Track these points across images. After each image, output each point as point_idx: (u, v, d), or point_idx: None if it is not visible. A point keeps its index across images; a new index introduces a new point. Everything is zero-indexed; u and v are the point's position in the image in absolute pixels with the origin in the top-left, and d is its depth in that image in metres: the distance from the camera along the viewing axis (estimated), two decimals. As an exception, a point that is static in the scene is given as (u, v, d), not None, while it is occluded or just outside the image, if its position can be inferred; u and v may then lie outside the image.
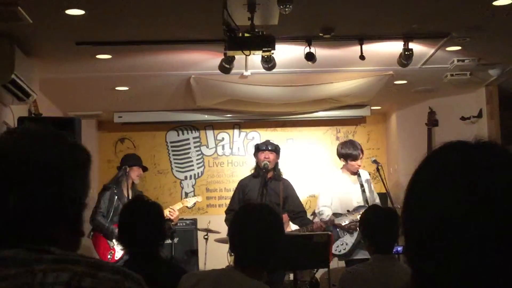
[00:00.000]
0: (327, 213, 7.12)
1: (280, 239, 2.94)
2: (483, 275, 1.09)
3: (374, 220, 3.93)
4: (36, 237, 1.37)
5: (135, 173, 7.56)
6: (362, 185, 7.25)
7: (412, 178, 1.22)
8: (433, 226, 1.13)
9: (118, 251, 7.06)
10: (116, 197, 7.31)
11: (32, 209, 1.37)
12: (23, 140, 1.43)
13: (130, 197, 7.26)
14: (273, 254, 2.91)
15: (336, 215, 7.06)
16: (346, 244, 7.03)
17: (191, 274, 3.10)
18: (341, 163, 7.37)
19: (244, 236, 2.92)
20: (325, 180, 7.61)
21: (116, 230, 6.96)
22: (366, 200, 7.16)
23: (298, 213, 7.11)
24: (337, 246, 7.05)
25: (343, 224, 6.99)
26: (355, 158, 7.16)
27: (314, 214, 8.16)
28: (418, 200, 1.18)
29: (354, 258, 6.86)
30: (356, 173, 7.29)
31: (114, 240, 6.98)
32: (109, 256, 7.14)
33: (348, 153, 7.19)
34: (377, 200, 7.15)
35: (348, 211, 7.02)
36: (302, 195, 8.85)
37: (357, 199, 7.17)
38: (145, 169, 7.79)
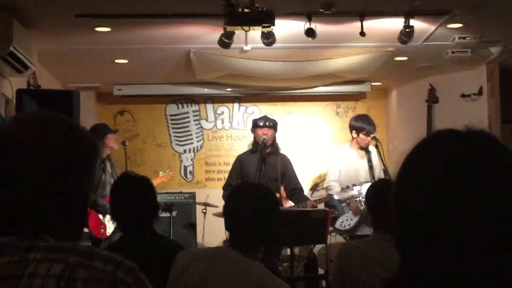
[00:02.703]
0: (335, 189, 7.18)
1: (276, 219, 2.94)
2: (465, 276, 1.08)
3: (377, 195, 3.79)
4: (36, 227, 1.35)
5: (111, 140, 7.53)
6: (370, 161, 7.27)
7: (400, 169, 1.21)
8: (415, 224, 1.13)
9: (110, 227, 7.07)
10: (100, 171, 7.28)
11: (36, 200, 1.36)
12: (31, 128, 1.40)
13: (107, 168, 7.26)
14: (268, 234, 2.91)
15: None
16: (351, 219, 7.06)
17: (186, 252, 3.11)
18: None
19: (239, 215, 2.92)
20: (333, 154, 7.63)
21: (108, 205, 7.03)
22: (373, 176, 7.18)
23: (294, 190, 7.13)
24: (342, 222, 7.11)
25: (337, 198, 7.01)
26: (368, 132, 7.19)
27: (313, 188, 8.20)
28: (404, 195, 1.17)
29: (358, 234, 6.88)
30: (364, 148, 7.30)
31: (107, 216, 6.97)
32: (101, 231, 7.14)
33: (362, 126, 7.22)
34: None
35: (347, 186, 7.03)
36: (302, 169, 8.87)
37: (363, 175, 7.20)
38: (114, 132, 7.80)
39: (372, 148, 7.36)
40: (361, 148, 7.34)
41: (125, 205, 3.52)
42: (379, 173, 7.24)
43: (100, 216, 7.20)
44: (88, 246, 1.38)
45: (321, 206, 7.21)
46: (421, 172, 1.16)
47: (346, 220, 7.12)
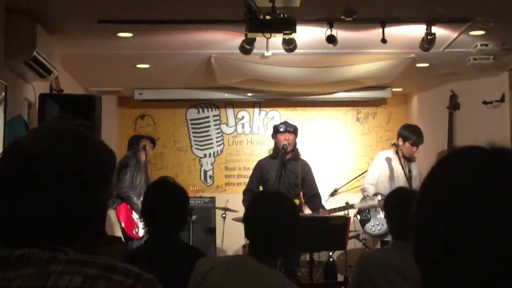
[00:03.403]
0: (371, 191, 7.18)
1: (295, 228, 2.94)
2: None
3: (397, 204, 3.77)
4: (53, 238, 1.36)
5: (143, 144, 7.75)
6: (410, 171, 7.23)
7: (423, 187, 1.21)
8: (435, 241, 1.13)
9: (142, 228, 7.15)
10: (139, 171, 7.47)
11: (52, 211, 1.37)
12: (48, 141, 1.42)
13: (147, 172, 7.43)
14: (287, 242, 2.92)
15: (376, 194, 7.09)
16: (382, 224, 7.03)
17: (206, 260, 3.12)
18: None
19: (259, 224, 2.92)
20: (375, 158, 7.60)
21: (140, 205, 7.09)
22: (411, 187, 7.13)
23: (312, 196, 7.11)
24: (372, 225, 7.11)
25: (357, 207, 7.03)
26: (414, 143, 7.13)
27: (332, 194, 8.19)
28: (426, 212, 1.17)
29: (388, 240, 6.85)
30: (408, 159, 7.26)
31: None
32: (134, 231, 7.24)
33: (409, 136, 7.15)
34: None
35: (367, 195, 7.03)
36: (322, 175, 8.86)
37: (402, 184, 7.13)
38: (153, 141, 8.00)
39: (416, 162, 7.33)
40: (404, 157, 7.28)
41: (158, 210, 3.53)
42: (418, 185, 7.18)
43: (135, 216, 7.29)
44: (108, 258, 1.38)
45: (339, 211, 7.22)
46: (444, 191, 1.15)
47: (378, 225, 7.09)
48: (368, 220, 7.17)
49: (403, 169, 7.08)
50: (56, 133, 1.45)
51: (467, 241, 1.09)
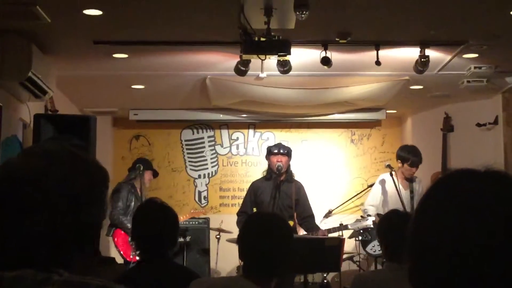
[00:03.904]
0: (371, 212, 7.18)
1: (290, 250, 2.93)
2: None
3: (390, 227, 3.78)
4: (47, 259, 1.36)
5: (147, 176, 7.72)
6: (412, 192, 7.25)
7: (418, 209, 1.22)
8: (430, 262, 1.14)
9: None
10: (133, 196, 7.44)
11: (46, 233, 1.36)
12: (39, 162, 1.41)
13: (143, 198, 7.37)
14: (282, 264, 2.91)
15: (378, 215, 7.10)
16: None
17: (199, 281, 3.11)
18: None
19: (253, 246, 2.92)
20: (377, 180, 7.62)
21: None
22: (412, 208, 7.13)
23: (306, 217, 7.10)
24: (373, 246, 7.13)
25: (350, 227, 7.04)
26: (412, 163, 7.16)
27: (327, 216, 8.20)
28: (422, 236, 1.18)
29: None
30: (409, 179, 7.28)
31: None
32: (131, 255, 7.21)
33: (407, 157, 7.20)
34: None
35: (361, 216, 7.05)
36: (316, 196, 8.86)
37: (405, 206, 7.15)
38: (156, 174, 7.97)
39: (418, 180, 7.34)
40: (406, 178, 7.31)
41: (147, 232, 3.52)
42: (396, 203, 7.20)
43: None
44: (102, 280, 1.37)
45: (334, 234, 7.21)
46: (439, 214, 1.16)
47: (378, 245, 7.10)
48: (370, 241, 7.20)
49: (398, 191, 7.09)
50: (49, 153, 1.45)
51: (467, 261, 1.10)
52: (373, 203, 7.38)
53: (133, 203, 7.50)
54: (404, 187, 7.30)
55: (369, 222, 6.92)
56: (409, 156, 7.20)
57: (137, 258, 7.10)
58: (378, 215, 6.99)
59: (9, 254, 1.37)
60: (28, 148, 1.58)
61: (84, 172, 1.45)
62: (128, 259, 7.26)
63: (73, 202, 1.40)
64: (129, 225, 7.25)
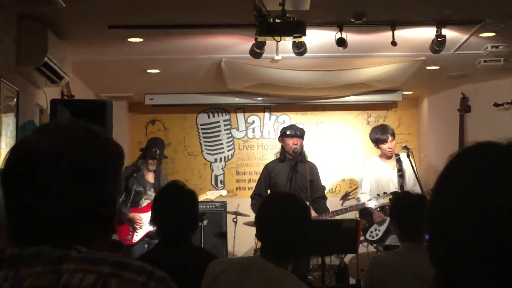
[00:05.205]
0: (362, 200, 7.17)
1: (307, 229, 2.94)
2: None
3: (403, 207, 3.82)
4: (65, 236, 1.36)
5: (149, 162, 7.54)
6: (400, 170, 7.24)
7: (439, 180, 1.18)
8: (451, 238, 1.11)
9: (137, 234, 7.14)
10: (135, 181, 7.31)
11: (63, 209, 1.36)
12: (55, 138, 1.41)
13: (155, 181, 7.33)
14: (300, 244, 2.92)
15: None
16: (379, 230, 7.05)
17: (218, 262, 3.12)
18: (373, 147, 7.45)
19: (270, 225, 2.92)
20: (363, 167, 7.63)
21: (130, 214, 7.06)
22: (401, 186, 7.14)
23: (317, 198, 7.09)
24: (371, 232, 7.12)
25: (369, 206, 7.00)
26: (383, 141, 7.19)
27: (344, 198, 8.18)
28: (442, 209, 1.15)
29: (388, 244, 6.85)
30: (391, 157, 7.29)
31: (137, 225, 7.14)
32: (128, 238, 7.18)
33: (376, 137, 7.26)
34: (417, 187, 7.05)
35: (378, 194, 7.01)
36: (332, 178, 8.86)
37: (394, 185, 7.16)
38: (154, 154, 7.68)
39: (404, 157, 7.31)
40: (389, 158, 7.33)
41: (169, 214, 3.54)
42: (413, 182, 7.18)
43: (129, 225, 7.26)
44: (120, 256, 1.37)
45: (352, 215, 7.19)
46: (459, 185, 1.13)
47: (375, 231, 7.11)
48: (368, 228, 7.17)
49: (414, 171, 7.11)
50: (64, 129, 1.44)
51: (489, 237, 1.07)
52: (364, 190, 7.40)
53: (135, 188, 7.34)
54: (391, 167, 7.32)
55: (386, 200, 6.82)
56: (378, 136, 7.30)
57: (134, 241, 7.12)
58: (378, 195, 6.98)
59: (27, 231, 1.38)
60: (43, 125, 1.57)
61: (99, 148, 1.45)
62: (123, 242, 7.21)
63: (89, 177, 1.39)
64: (123, 209, 7.14)
